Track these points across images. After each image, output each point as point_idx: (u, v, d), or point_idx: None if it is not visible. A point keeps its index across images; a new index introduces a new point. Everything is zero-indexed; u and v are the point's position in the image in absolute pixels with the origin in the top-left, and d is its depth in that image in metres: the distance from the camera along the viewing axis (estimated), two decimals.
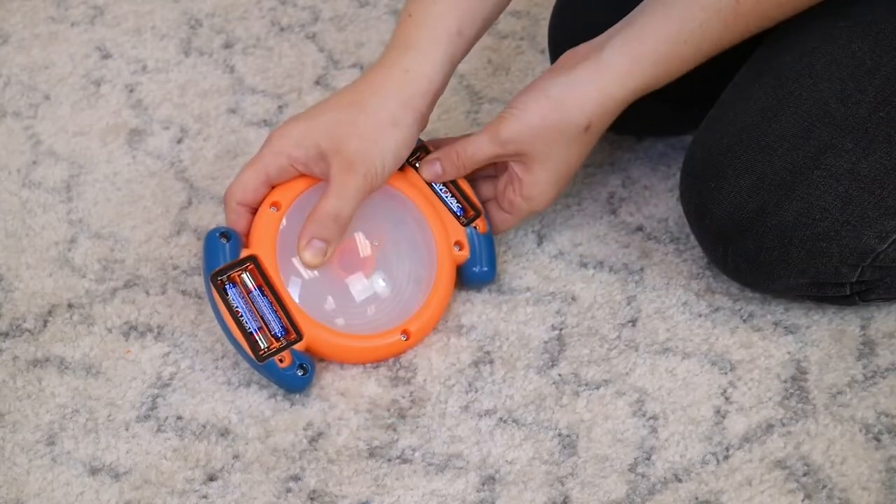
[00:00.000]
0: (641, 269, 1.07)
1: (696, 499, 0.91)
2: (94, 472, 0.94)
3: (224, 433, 0.96)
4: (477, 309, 1.04)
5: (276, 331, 0.97)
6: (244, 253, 0.98)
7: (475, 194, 1.05)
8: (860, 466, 0.92)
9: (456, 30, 0.99)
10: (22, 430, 0.97)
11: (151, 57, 1.29)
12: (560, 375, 0.99)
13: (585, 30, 1.02)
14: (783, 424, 0.95)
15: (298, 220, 0.98)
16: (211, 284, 0.97)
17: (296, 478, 0.94)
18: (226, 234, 0.98)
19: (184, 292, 1.06)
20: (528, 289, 1.06)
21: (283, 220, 1.00)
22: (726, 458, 0.93)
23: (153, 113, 1.23)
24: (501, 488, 0.92)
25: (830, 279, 0.97)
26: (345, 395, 0.99)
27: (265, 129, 1.21)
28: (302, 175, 1.00)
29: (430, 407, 0.98)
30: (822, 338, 1.01)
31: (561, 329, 1.02)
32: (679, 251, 1.08)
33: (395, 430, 0.96)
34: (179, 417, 0.97)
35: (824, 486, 0.91)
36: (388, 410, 0.98)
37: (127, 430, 0.97)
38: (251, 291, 0.97)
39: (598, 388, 0.98)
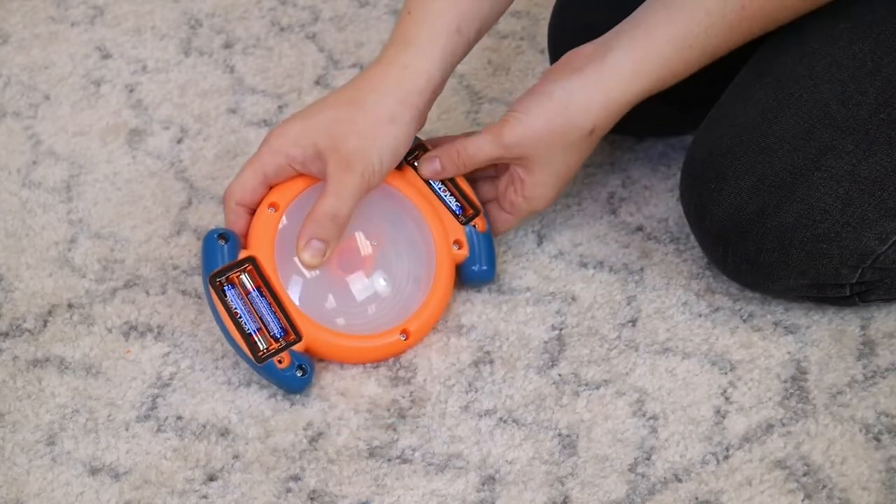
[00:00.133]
0: (641, 269, 1.07)
1: (696, 499, 0.91)
2: (94, 472, 0.94)
3: (224, 433, 0.96)
4: (477, 309, 1.04)
5: (275, 332, 0.97)
6: (242, 254, 0.98)
7: (476, 194, 1.05)
8: (860, 466, 0.92)
9: (455, 28, 0.99)
10: (22, 430, 0.97)
11: (151, 57, 1.29)
12: (560, 375, 0.99)
13: (585, 30, 1.02)
14: (783, 424, 0.95)
15: (297, 220, 0.98)
16: (209, 286, 0.97)
17: (296, 478, 0.94)
18: (224, 235, 0.98)
19: (184, 292, 1.06)
20: (528, 289, 1.06)
21: (283, 221, 1.00)
22: (726, 458, 0.93)
23: (153, 113, 1.23)
24: (501, 488, 0.92)
25: (830, 280, 0.97)
26: (345, 395, 0.99)
27: (265, 129, 1.21)
28: (300, 175, 1.00)
29: (430, 407, 0.98)
30: (822, 338, 1.01)
31: (561, 329, 1.02)
32: (679, 251, 1.08)
33: (395, 430, 0.96)
34: (179, 417, 0.97)
35: (824, 486, 0.91)
36: (388, 410, 0.98)
37: (127, 430, 0.97)
38: (250, 292, 0.97)
39: (598, 388, 0.98)
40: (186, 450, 0.95)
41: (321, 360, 1.00)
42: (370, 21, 1.33)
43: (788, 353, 1.00)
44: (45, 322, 1.04)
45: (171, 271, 1.08)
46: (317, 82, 1.26)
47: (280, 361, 0.96)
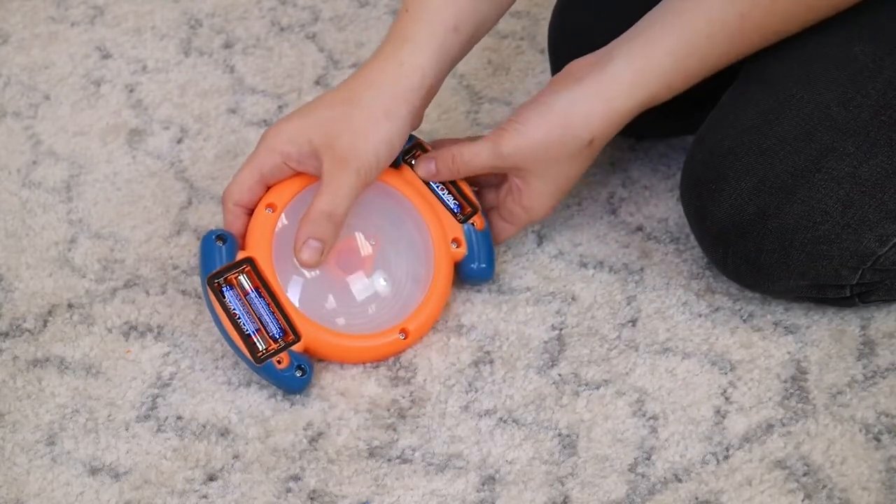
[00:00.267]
0: (641, 269, 1.07)
1: (696, 499, 0.91)
2: (94, 472, 0.94)
3: (224, 433, 0.96)
4: (477, 309, 1.04)
5: (274, 332, 0.97)
6: (241, 255, 0.98)
7: (480, 202, 1.05)
8: (860, 466, 0.92)
9: (453, 25, 0.99)
10: (22, 430, 0.97)
11: (151, 57, 1.29)
12: (560, 375, 0.99)
13: (585, 30, 1.03)
14: (783, 424, 0.95)
15: (295, 220, 0.98)
16: (208, 287, 0.97)
17: (296, 478, 0.94)
18: (222, 236, 0.98)
19: (184, 292, 1.06)
20: (528, 289, 1.06)
21: (281, 221, 1.00)
22: (726, 458, 0.93)
23: (153, 113, 1.23)
24: (501, 488, 0.92)
25: (831, 281, 0.97)
26: (345, 395, 0.99)
27: (265, 129, 1.20)
28: (298, 175, 1.00)
29: (430, 407, 0.98)
30: (822, 338, 1.01)
31: (561, 329, 1.02)
32: (679, 251, 1.08)
33: (395, 430, 0.96)
34: (179, 417, 0.97)
35: (824, 486, 0.91)
36: (388, 410, 0.98)
37: (127, 430, 0.97)
38: (248, 293, 0.97)
39: (598, 388, 0.98)
40: (186, 450, 0.95)
41: (321, 360, 1.00)
42: (370, 21, 1.33)
43: (788, 353, 1.00)
44: (45, 322, 1.04)
45: (171, 271, 1.08)
46: (317, 82, 1.26)
47: (279, 362, 0.96)
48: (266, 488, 0.93)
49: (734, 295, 1.04)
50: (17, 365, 1.01)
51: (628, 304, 1.04)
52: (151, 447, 0.95)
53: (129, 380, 1.00)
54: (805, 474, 0.92)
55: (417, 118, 1.00)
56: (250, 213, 1.00)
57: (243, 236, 0.99)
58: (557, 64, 1.14)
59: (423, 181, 1.04)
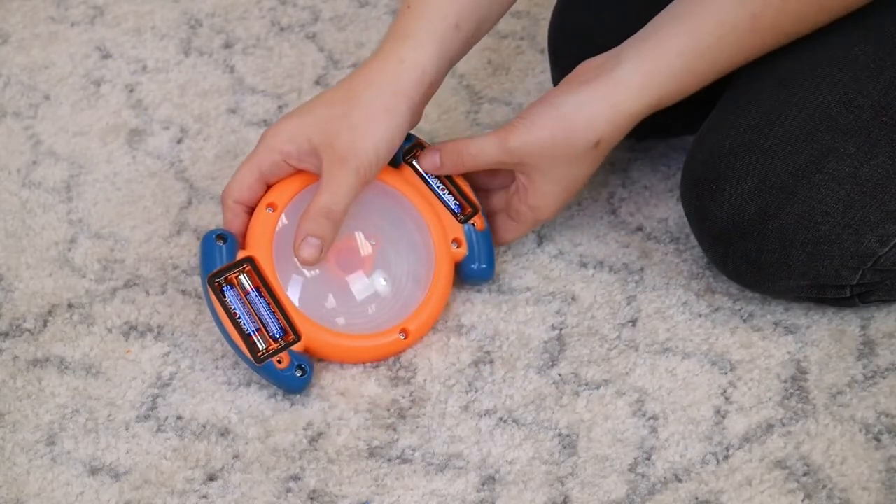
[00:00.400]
0: (641, 269, 1.07)
1: (696, 499, 0.91)
2: (94, 472, 0.94)
3: (224, 433, 0.96)
4: (477, 309, 1.04)
5: (274, 332, 0.97)
6: (241, 254, 0.98)
7: (489, 204, 1.05)
8: (860, 466, 0.92)
9: (454, 23, 0.99)
10: (22, 430, 0.97)
11: (151, 57, 1.29)
12: (560, 375, 0.99)
13: (585, 30, 1.02)
14: (783, 424, 0.95)
15: (296, 219, 0.98)
16: (208, 287, 0.97)
17: (296, 478, 0.94)
18: (222, 236, 0.98)
19: (184, 292, 1.06)
20: (528, 289, 1.06)
21: (281, 221, 1.00)
22: (726, 458, 0.93)
23: (153, 113, 1.23)
24: (501, 488, 0.92)
25: (831, 282, 0.97)
26: (345, 395, 0.99)
27: (265, 129, 1.20)
28: (298, 174, 1.00)
29: (430, 407, 0.98)
30: (822, 338, 1.01)
31: (561, 329, 1.02)
32: (679, 251, 1.08)
33: (395, 430, 0.96)
34: (179, 417, 0.97)
35: (824, 486, 0.91)
36: (388, 410, 0.98)
37: (127, 430, 0.97)
38: (248, 293, 0.97)
39: (598, 388, 0.98)
40: (186, 450, 0.95)
41: (321, 360, 1.00)
42: (370, 21, 1.33)
43: (788, 353, 1.00)
44: (45, 322, 1.04)
45: (171, 271, 1.08)
46: (317, 82, 1.26)
47: (279, 361, 0.96)
48: (266, 488, 0.93)
49: (734, 295, 1.04)
50: (17, 365, 1.01)
51: (628, 304, 1.04)
52: (151, 447, 0.95)
53: (129, 380, 1.00)
54: (805, 474, 0.92)
55: (417, 115, 1.00)
56: (250, 211, 1.00)
57: (243, 235, 0.99)
58: (557, 64, 1.14)
59: (424, 181, 1.04)
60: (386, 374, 1.00)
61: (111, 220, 1.13)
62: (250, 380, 0.99)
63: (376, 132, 0.97)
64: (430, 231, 1.03)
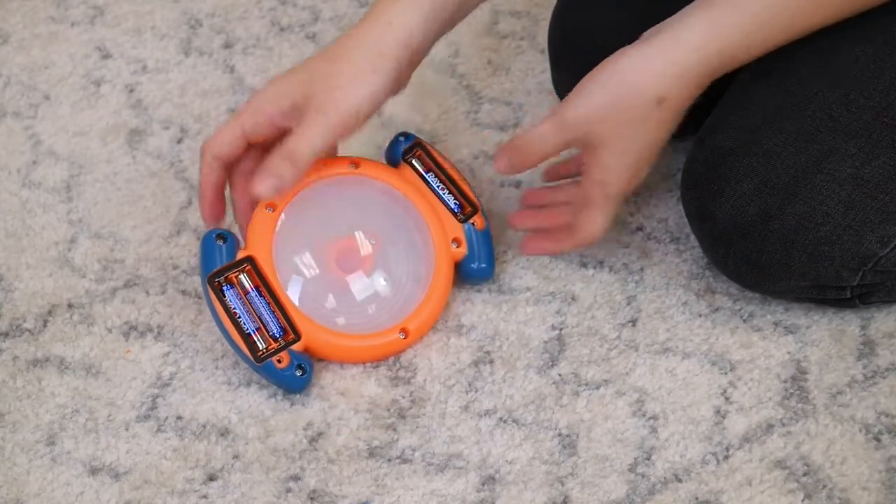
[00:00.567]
0: (641, 269, 1.07)
1: (696, 499, 0.91)
2: (94, 472, 0.94)
3: (224, 433, 0.96)
4: (477, 308, 1.04)
5: (274, 331, 0.97)
6: (241, 254, 0.99)
7: (563, 198, 1.03)
8: (860, 466, 0.92)
9: None
10: (22, 430, 0.97)
11: (151, 57, 1.29)
12: (560, 375, 0.99)
13: (585, 30, 1.02)
14: (783, 424, 0.95)
15: (296, 220, 0.98)
16: (208, 286, 0.97)
17: (296, 478, 0.94)
18: (222, 235, 0.98)
19: (184, 292, 1.06)
20: (528, 289, 1.06)
21: (281, 220, 1.00)
22: (726, 458, 0.93)
23: (153, 113, 1.23)
24: (501, 488, 0.92)
25: (831, 282, 0.97)
26: (345, 395, 0.99)
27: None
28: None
29: (430, 407, 0.98)
30: (822, 338, 1.01)
31: (561, 329, 1.02)
32: (679, 251, 1.08)
33: (395, 430, 0.96)
34: (179, 417, 0.97)
35: (824, 486, 0.91)
36: (388, 410, 0.98)
37: (127, 430, 0.97)
38: (248, 292, 0.98)
39: (598, 388, 0.98)
40: (186, 450, 0.95)
41: (321, 359, 1.00)
42: None
43: (788, 353, 1.00)
44: (45, 322, 1.04)
45: (171, 271, 1.08)
46: None
47: (279, 361, 0.96)
48: (266, 488, 0.93)
49: (734, 295, 1.04)
50: (17, 365, 1.01)
51: (628, 304, 1.04)
52: (151, 447, 0.95)
53: (129, 380, 1.00)
54: (805, 474, 0.92)
55: (404, 77, 0.99)
56: (227, 168, 1.00)
57: (219, 195, 0.99)
58: (557, 64, 1.14)
59: (424, 181, 1.04)
60: (386, 374, 1.00)
61: (111, 220, 1.13)
62: (250, 380, 0.99)
63: (359, 89, 0.97)
64: (429, 230, 1.03)
